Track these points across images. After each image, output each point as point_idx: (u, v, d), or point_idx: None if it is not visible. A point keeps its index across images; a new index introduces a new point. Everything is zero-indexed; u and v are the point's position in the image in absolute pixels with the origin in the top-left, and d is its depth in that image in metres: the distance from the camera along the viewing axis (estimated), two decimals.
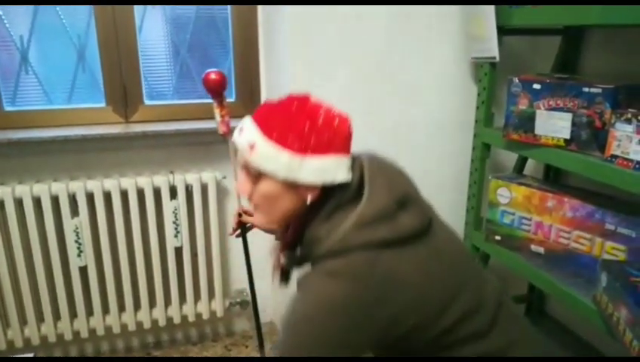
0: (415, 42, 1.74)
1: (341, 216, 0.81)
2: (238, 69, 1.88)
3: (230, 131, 1.27)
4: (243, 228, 1.33)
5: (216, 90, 1.27)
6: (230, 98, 1.91)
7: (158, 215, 1.76)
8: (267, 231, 0.97)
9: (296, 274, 0.91)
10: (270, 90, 1.89)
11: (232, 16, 1.83)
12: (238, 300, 2.00)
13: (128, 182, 1.69)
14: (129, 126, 1.75)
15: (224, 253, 1.96)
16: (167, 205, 1.75)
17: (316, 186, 0.84)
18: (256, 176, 0.85)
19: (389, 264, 0.78)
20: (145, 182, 1.71)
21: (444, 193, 1.88)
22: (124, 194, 1.70)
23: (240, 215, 1.30)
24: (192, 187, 1.76)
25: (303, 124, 0.81)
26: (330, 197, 0.83)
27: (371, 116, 1.78)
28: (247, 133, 0.85)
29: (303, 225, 0.86)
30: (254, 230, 1.24)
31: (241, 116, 1.89)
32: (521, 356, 0.90)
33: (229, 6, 1.82)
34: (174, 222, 1.76)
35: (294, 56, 1.70)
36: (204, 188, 1.78)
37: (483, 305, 0.88)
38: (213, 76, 1.25)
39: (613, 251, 1.47)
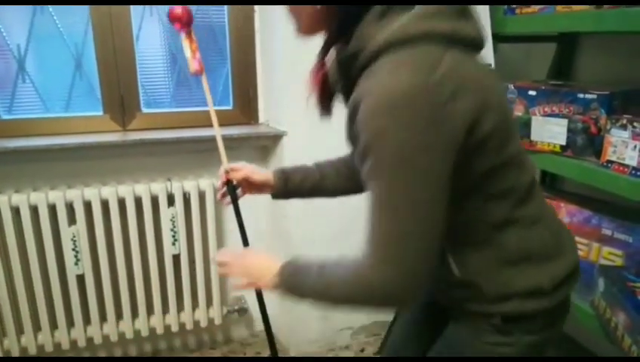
0: None
1: (396, 13, 0.72)
2: (236, 77, 1.89)
3: (202, 69, 1.20)
4: (231, 190, 1.20)
5: (183, 20, 1.16)
6: (227, 105, 1.92)
7: (155, 222, 1.75)
8: (308, 35, 0.84)
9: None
10: (267, 97, 1.90)
11: (230, 24, 1.84)
12: (236, 308, 1.99)
13: (126, 190, 1.69)
14: (126, 134, 1.75)
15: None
16: (165, 212, 1.74)
17: None
18: None
19: (455, 61, 0.69)
20: (142, 189, 1.71)
21: None
22: (121, 202, 1.70)
23: (227, 172, 1.19)
24: (189, 194, 1.76)
25: None
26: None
27: None
28: None
29: (349, 25, 0.74)
30: (248, 198, 1.22)
31: (239, 124, 1.92)
32: (543, 235, 0.84)
33: (226, 14, 1.83)
34: (172, 230, 1.76)
35: (291, 62, 1.72)
36: (201, 195, 1.78)
37: (525, 166, 0.83)
38: (178, 10, 1.17)
39: (611, 256, 1.47)
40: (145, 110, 1.82)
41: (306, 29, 0.83)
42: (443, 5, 0.72)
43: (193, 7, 1.79)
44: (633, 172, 1.24)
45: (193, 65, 1.20)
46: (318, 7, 0.76)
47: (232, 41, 1.85)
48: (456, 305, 0.90)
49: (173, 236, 1.77)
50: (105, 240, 1.71)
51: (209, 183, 1.78)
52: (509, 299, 0.82)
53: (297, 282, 0.84)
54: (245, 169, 1.17)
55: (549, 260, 0.84)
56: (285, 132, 1.79)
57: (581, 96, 1.38)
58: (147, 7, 1.77)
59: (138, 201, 1.72)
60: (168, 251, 1.78)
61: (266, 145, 1.90)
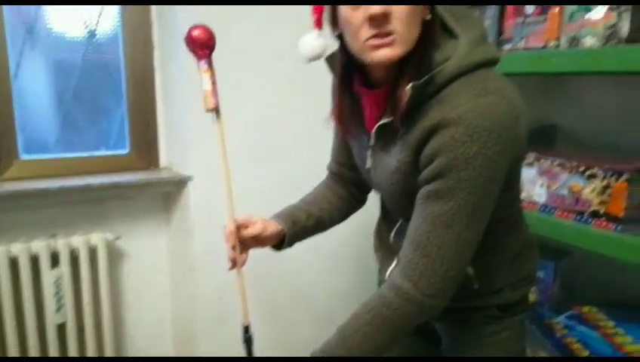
0: None
1: (447, 43, 0.79)
2: (133, 118, 1.71)
3: (218, 106, 0.97)
4: (248, 344, 0.96)
5: (207, 45, 0.94)
6: (123, 149, 1.74)
7: (35, 287, 1.50)
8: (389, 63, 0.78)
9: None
10: (169, 140, 1.75)
11: (126, 60, 1.68)
12: None
13: None
14: (1, 184, 1.50)
15: (118, 324, 1.73)
16: (48, 274, 1.50)
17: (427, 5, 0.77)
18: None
19: (507, 82, 0.78)
20: (19, 249, 1.46)
21: None
22: None
23: (238, 229, 0.96)
24: (78, 251, 1.54)
25: None
26: (431, 26, 0.78)
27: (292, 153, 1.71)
28: None
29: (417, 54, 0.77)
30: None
31: (138, 169, 1.74)
32: (528, 232, 0.99)
33: (121, 48, 1.67)
34: (56, 294, 1.52)
35: (196, 101, 1.60)
36: (92, 252, 1.56)
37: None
38: (200, 33, 0.94)
39: None
40: (25, 156, 1.59)
41: (409, 47, 0.77)
42: (480, 32, 0.81)
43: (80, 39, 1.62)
44: (542, 208, 1.26)
45: (211, 101, 0.96)
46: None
47: (129, 78, 1.68)
48: (454, 303, 0.87)
49: (58, 301, 1.52)
50: None
51: (102, 238, 1.57)
52: (503, 290, 0.93)
53: None
54: (257, 225, 0.97)
55: (529, 254, 0.98)
56: (190, 177, 1.65)
57: None
58: (27, 40, 1.57)
59: (14, 262, 1.47)
60: (51, 320, 1.53)
61: (168, 191, 1.73)
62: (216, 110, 0.97)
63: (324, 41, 0.88)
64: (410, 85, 0.75)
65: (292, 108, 1.72)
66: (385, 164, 0.87)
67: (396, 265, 0.87)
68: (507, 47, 1.31)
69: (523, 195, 1.30)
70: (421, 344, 1.10)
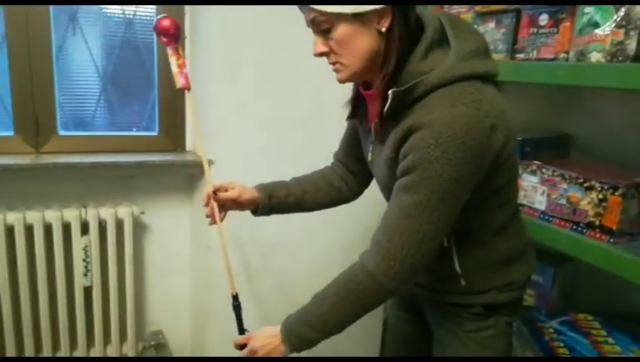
0: None
1: (437, 54, 0.86)
2: (163, 103, 1.82)
3: (189, 84, 1.20)
4: (237, 308, 1.15)
5: (170, 33, 1.16)
6: (154, 132, 1.85)
7: (66, 251, 1.64)
8: (356, 79, 0.95)
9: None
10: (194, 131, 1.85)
11: (159, 48, 1.78)
12: (153, 343, 1.89)
13: (35, 216, 1.58)
14: (39, 157, 1.64)
15: (139, 293, 1.86)
16: (78, 241, 1.64)
17: (385, 10, 0.84)
18: (327, 29, 0.86)
19: (492, 96, 0.85)
20: (53, 216, 1.60)
21: None
22: (29, 229, 1.58)
23: (215, 192, 1.15)
24: (105, 222, 1.67)
25: None
26: (416, 40, 0.87)
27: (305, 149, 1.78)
28: None
29: (397, 64, 0.86)
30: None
31: (165, 150, 1.85)
32: (522, 241, 1.05)
33: (155, 38, 1.78)
34: (84, 260, 1.66)
35: (220, 90, 1.70)
36: (119, 224, 1.69)
37: (517, 193, 1.04)
38: (165, 22, 1.16)
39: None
40: (62, 132, 1.72)
41: (357, 72, 0.90)
42: (475, 47, 0.87)
43: (116, 32, 1.74)
44: (542, 216, 1.30)
45: (179, 80, 1.20)
46: (378, 49, 0.87)
47: (161, 65, 1.79)
48: (440, 297, 1.03)
49: (86, 267, 1.66)
50: (8, 269, 1.58)
51: (128, 211, 1.70)
52: (489, 291, 0.99)
53: (303, 331, 0.92)
54: (234, 190, 1.16)
55: (522, 261, 1.03)
56: (212, 161, 1.75)
57: None
58: (69, 25, 1.70)
59: (48, 228, 1.61)
60: (79, 283, 1.67)
61: (192, 173, 1.84)
62: (183, 88, 1.19)
63: None
64: (391, 91, 0.84)
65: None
66: (380, 157, 0.96)
67: None
68: (520, 56, 1.34)
69: (524, 201, 1.34)
70: (416, 330, 1.19)
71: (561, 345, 1.27)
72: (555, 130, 1.55)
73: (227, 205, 1.17)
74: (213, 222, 1.16)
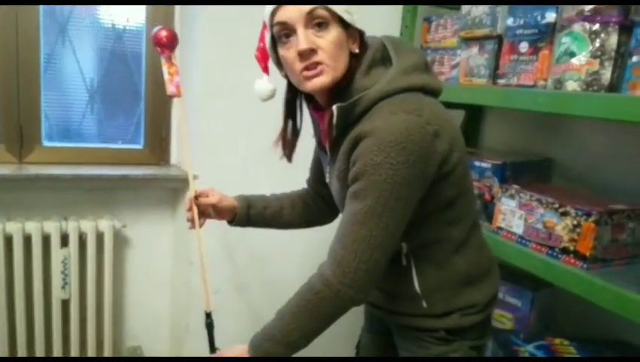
0: None
1: (379, 70, 0.91)
2: (149, 116, 1.83)
3: (179, 92, 1.24)
4: (209, 327, 1.18)
5: (165, 43, 1.22)
6: (139, 145, 1.86)
7: (45, 263, 1.63)
8: (329, 86, 0.92)
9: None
10: (181, 140, 1.86)
11: (147, 61, 1.80)
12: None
13: (14, 227, 1.57)
14: (22, 167, 1.64)
15: (118, 307, 1.84)
16: (57, 253, 1.63)
17: (358, 34, 0.91)
18: (321, 24, 0.87)
19: (432, 106, 0.89)
20: (33, 227, 1.59)
21: None
22: (7, 239, 1.57)
23: (196, 198, 1.17)
24: (86, 235, 1.66)
25: None
26: (360, 58, 0.91)
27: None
28: None
29: (346, 81, 0.90)
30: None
31: (149, 164, 1.85)
32: (483, 260, 1.04)
33: (143, 51, 1.79)
34: (63, 272, 1.64)
35: (206, 106, 1.70)
36: (99, 237, 1.68)
37: (474, 196, 1.05)
38: (163, 33, 1.22)
39: (502, 319, 1.53)
40: (47, 143, 1.72)
41: (336, 79, 0.90)
42: (414, 62, 0.91)
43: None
44: (519, 240, 1.31)
45: (169, 88, 1.25)
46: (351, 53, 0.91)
47: (149, 78, 1.80)
48: (404, 321, 1.03)
49: (64, 279, 1.65)
50: None
51: (109, 225, 1.69)
52: (451, 314, 0.98)
53: (268, 347, 0.92)
54: (215, 196, 1.18)
55: (483, 282, 1.02)
56: (196, 176, 1.75)
57: (477, 164, 1.45)
58: (59, 36, 1.71)
59: (27, 239, 1.60)
60: (57, 295, 1.65)
61: (176, 187, 1.84)
62: (174, 96, 1.24)
63: (272, 85, 1.11)
64: (335, 106, 0.88)
65: None
66: (334, 175, 0.98)
67: None
68: (502, 81, 1.36)
69: (503, 224, 1.35)
70: (385, 346, 1.18)
71: None
72: (539, 154, 1.57)
73: (207, 212, 1.19)
74: (193, 227, 1.18)
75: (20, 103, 1.65)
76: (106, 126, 1.84)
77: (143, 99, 1.82)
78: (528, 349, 1.36)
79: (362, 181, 0.84)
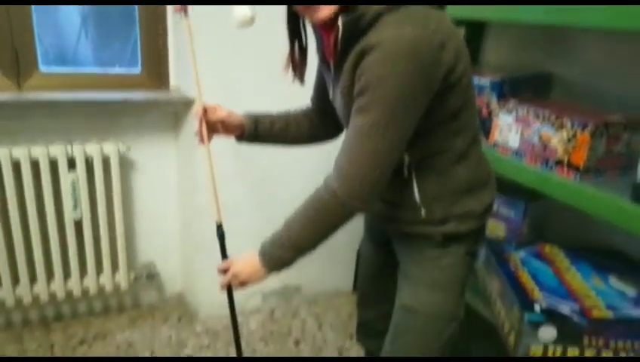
0: None
1: None
2: (145, 40, 1.79)
3: (186, 9, 1.23)
4: (220, 236, 1.19)
5: None
6: (136, 69, 1.84)
7: (55, 187, 1.68)
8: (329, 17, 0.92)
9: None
10: (179, 64, 1.84)
11: None
12: (144, 273, 1.98)
13: (21, 152, 1.60)
14: (22, 93, 1.63)
15: (129, 226, 1.93)
16: (65, 177, 1.67)
17: None
18: None
19: (438, 17, 0.87)
20: (40, 152, 1.62)
21: None
22: (16, 165, 1.61)
23: (204, 112, 1.16)
24: (92, 159, 1.69)
25: None
26: None
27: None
28: None
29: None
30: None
31: (149, 88, 1.85)
32: (482, 171, 1.08)
33: None
34: (73, 195, 1.70)
35: (204, 26, 1.67)
36: (105, 160, 1.72)
37: (476, 108, 1.05)
38: None
39: (495, 229, 1.61)
40: (44, 69, 1.70)
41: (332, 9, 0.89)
42: None
43: None
44: (514, 154, 1.35)
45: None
46: None
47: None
48: (404, 228, 1.08)
49: (75, 201, 1.71)
50: None
51: (114, 148, 1.72)
52: (448, 222, 1.03)
53: (277, 252, 0.99)
54: (222, 111, 1.18)
55: (481, 191, 1.06)
56: (195, 99, 1.75)
57: (476, 81, 1.46)
58: None
59: (35, 164, 1.63)
60: (69, 217, 1.72)
61: (177, 111, 1.85)
62: (184, 11, 1.23)
63: (251, 12, 1.09)
64: (340, 21, 0.88)
65: None
66: (338, 91, 0.99)
67: None
68: None
69: (499, 139, 1.38)
70: (384, 253, 1.26)
71: (525, 272, 1.36)
72: (537, 69, 1.56)
73: (214, 128, 1.19)
74: (202, 142, 1.18)
75: (12, 26, 1.61)
76: (102, 51, 1.81)
77: (137, 22, 1.77)
78: (519, 255, 1.44)
79: (368, 94, 0.85)
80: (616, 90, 1.38)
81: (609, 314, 1.18)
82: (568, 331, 1.17)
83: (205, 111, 1.17)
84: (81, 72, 1.78)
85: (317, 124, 1.25)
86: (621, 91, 1.37)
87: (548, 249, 1.49)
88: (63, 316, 1.96)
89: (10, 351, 1.77)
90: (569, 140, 1.19)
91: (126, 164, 1.85)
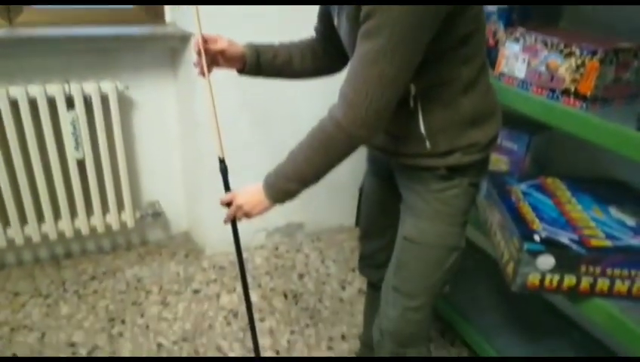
0: None
1: None
2: None
3: None
4: (223, 172, 1.15)
5: None
6: (128, 4, 1.77)
7: (55, 126, 1.67)
8: None
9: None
10: None
11: None
12: (150, 212, 2.01)
13: (17, 91, 1.58)
14: (14, 30, 1.59)
15: (132, 166, 1.93)
16: (65, 116, 1.66)
17: None
18: None
19: None
20: (37, 90, 1.60)
21: None
22: (13, 104, 1.59)
23: (204, 42, 1.10)
24: (90, 98, 1.67)
25: None
26: None
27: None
28: None
29: None
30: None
31: (143, 23, 1.79)
32: (488, 102, 1.05)
33: None
34: (73, 134, 1.69)
35: None
36: (104, 99, 1.70)
37: (484, 49, 1.03)
38: None
39: (498, 162, 1.60)
40: (34, 5, 1.64)
41: None
42: None
43: None
44: (520, 84, 1.32)
45: None
46: None
47: None
48: (407, 161, 1.07)
49: (76, 140, 1.70)
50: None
51: (112, 86, 1.69)
52: (453, 153, 1.01)
53: (281, 183, 0.98)
54: (223, 41, 1.13)
55: (487, 123, 1.04)
56: (192, 33, 1.70)
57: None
58: None
59: (33, 103, 1.61)
60: (72, 156, 1.72)
61: (174, 46, 1.80)
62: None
63: None
64: None
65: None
66: (343, 16, 0.95)
67: None
68: None
69: (505, 69, 1.35)
70: (387, 187, 1.25)
71: (526, 204, 1.36)
72: None
73: (215, 59, 1.15)
74: (202, 73, 1.14)
75: None
76: None
77: None
78: (521, 188, 1.44)
79: (375, 19, 0.81)
80: (628, 17, 1.33)
81: (608, 243, 1.19)
82: (566, 260, 1.18)
83: (205, 41, 1.11)
84: (72, 8, 1.72)
85: (321, 56, 1.21)
86: (632, 18, 1.31)
87: (550, 181, 1.48)
88: (73, 254, 2.01)
89: (23, 287, 1.83)
90: (577, 68, 1.16)
91: (125, 103, 1.82)
